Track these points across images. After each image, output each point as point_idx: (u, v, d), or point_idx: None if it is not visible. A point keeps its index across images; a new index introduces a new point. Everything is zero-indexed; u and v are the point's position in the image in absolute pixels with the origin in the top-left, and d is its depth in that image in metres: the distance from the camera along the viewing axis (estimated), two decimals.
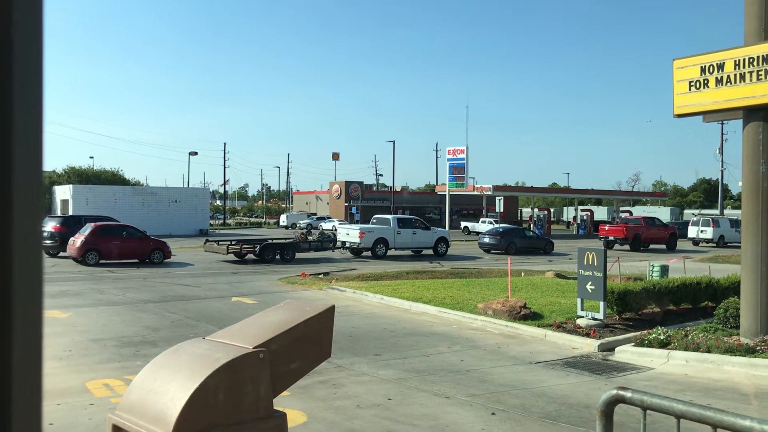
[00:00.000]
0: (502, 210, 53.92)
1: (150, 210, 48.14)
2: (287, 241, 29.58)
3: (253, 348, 3.80)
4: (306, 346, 4.12)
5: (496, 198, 53.81)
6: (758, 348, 10.52)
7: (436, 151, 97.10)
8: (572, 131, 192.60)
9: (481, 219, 55.98)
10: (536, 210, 64.61)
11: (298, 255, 28.98)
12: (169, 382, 3.63)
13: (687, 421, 2.92)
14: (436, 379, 9.54)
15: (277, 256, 28.01)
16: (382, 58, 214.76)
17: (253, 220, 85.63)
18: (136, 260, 26.40)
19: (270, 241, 28.76)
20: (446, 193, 57.37)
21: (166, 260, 26.89)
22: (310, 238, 30.54)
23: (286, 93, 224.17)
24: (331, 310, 4.30)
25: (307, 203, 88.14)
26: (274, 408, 3.85)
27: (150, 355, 9.47)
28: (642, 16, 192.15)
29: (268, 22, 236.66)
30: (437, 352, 11.45)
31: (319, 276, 22.32)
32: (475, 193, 60.98)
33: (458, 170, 56.65)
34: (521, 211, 79.29)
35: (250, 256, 27.88)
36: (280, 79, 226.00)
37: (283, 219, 72.10)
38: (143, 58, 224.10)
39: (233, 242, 28.20)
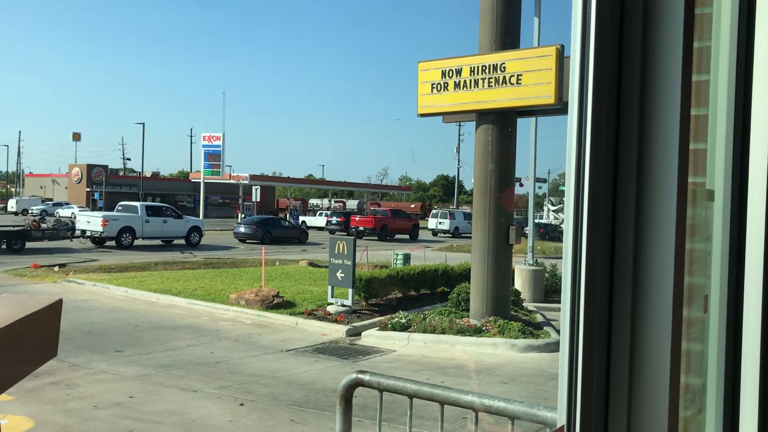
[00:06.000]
0: (258, 200, 53.53)
1: None
2: (16, 228, 26.45)
3: None
4: (24, 345, 3.65)
5: (253, 187, 53.27)
6: (484, 328, 11.75)
7: (191, 136, 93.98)
8: (328, 124, 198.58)
9: (319, 212, 55.15)
10: (292, 200, 65.51)
11: (29, 245, 26.04)
12: None
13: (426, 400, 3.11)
14: (183, 373, 9.17)
15: (3, 246, 24.93)
16: (132, 34, 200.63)
17: None
18: None
19: None
20: (201, 180, 55.65)
21: None
22: (43, 225, 27.63)
23: (20, 63, 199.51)
24: (58, 304, 3.86)
25: (41, 187, 79.79)
26: None
27: None
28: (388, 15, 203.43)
29: None
30: (186, 345, 11.03)
31: (54, 268, 20.26)
32: (232, 181, 59.96)
33: (214, 157, 55.35)
34: (278, 201, 79.73)
35: None
36: (11, 46, 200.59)
37: (12, 204, 65.97)
38: None
39: None
